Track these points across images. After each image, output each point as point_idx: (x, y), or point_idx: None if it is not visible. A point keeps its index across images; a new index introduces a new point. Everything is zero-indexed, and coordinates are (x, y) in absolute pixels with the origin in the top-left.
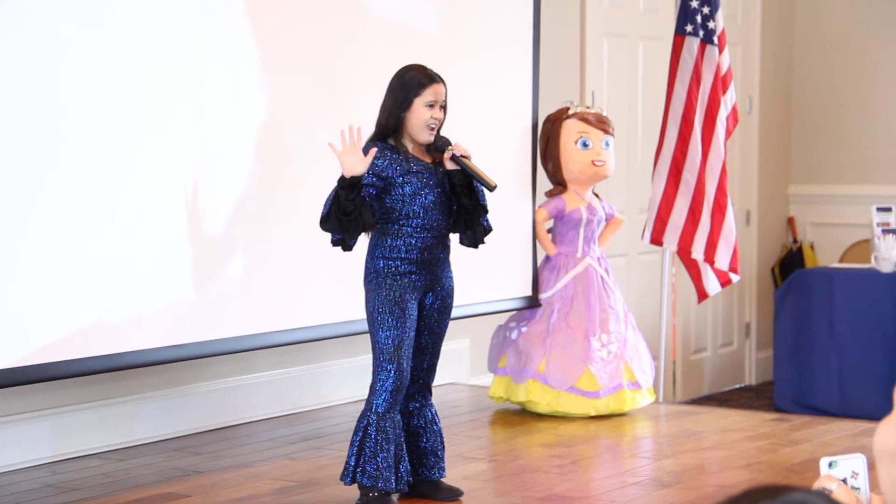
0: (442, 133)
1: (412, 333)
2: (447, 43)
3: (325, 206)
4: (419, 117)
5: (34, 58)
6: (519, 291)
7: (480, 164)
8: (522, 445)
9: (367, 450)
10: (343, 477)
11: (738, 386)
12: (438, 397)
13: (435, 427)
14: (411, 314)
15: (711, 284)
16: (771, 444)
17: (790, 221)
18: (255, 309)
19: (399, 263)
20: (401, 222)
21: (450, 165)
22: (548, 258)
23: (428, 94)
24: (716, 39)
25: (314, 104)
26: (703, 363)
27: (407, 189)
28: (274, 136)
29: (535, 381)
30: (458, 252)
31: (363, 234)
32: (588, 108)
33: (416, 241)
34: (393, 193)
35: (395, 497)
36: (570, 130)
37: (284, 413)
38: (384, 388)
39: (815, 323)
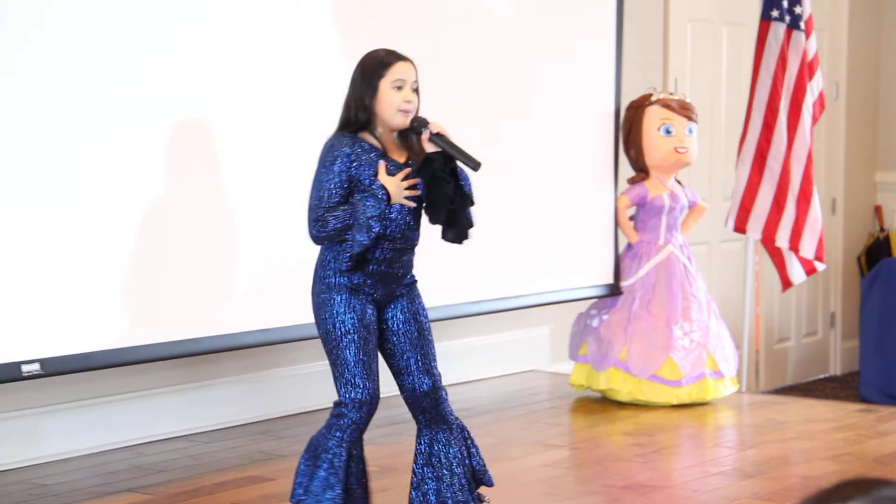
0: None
1: (376, 354)
2: (529, 28)
3: (354, 244)
4: (388, 102)
5: (89, 36)
6: (600, 279)
7: (561, 150)
8: (603, 433)
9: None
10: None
11: (822, 376)
12: (519, 384)
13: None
14: (375, 336)
15: (796, 273)
16: (857, 436)
17: (877, 209)
18: None
19: (354, 276)
20: None
21: (429, 147)
22: (629, 246)
23: (393, 74)
24: (802, 25)
25: None
26: (786, 353)
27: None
28: None
29: (617, 369)
30: (538, 238)
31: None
32: (671, 94)
33: (374, 253)
34: (357, 198)
35: None
36: (653, 117)
37: None
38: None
39: None
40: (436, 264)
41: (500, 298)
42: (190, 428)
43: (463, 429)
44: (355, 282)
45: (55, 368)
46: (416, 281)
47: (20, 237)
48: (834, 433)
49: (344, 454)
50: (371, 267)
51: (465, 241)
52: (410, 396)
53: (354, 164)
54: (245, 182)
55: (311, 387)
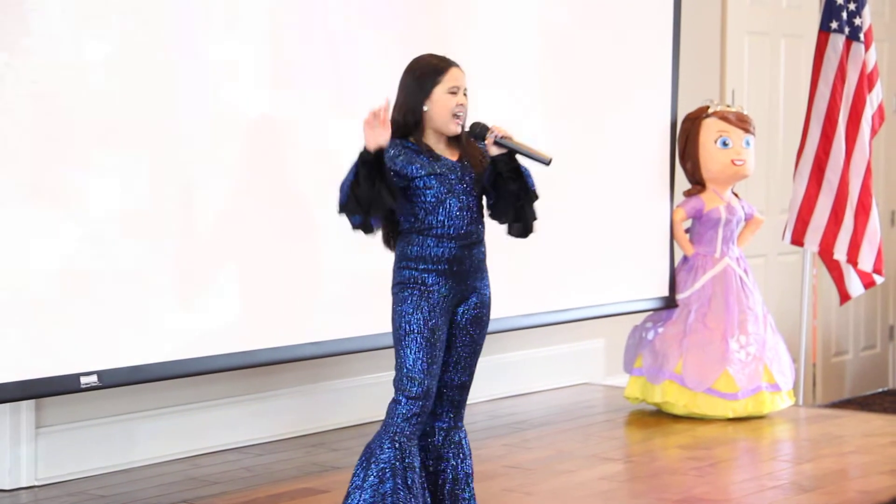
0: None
1: (441, 354)
2: (585, 41)
3: (342, 191)
4: (443, 106)
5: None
6: (656, 292)
7: (617, 162)
8: (659, 447)
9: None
10: None
11: (880, 390)
12: (573, 397)
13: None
14: (441, 336)
15: (854, 286)
16: None
17: None
18: None
19: (425, 276)
20: (424, 232)
21: (494, 150)
22: (685, 258)
23: (448, 80)
24: (862, 36)
25: None
26: (844, 366)
27: (429, 195)
28: None
29: (672, 382)
30: (594, 251)
31: (384, 213)
32: (728, 106)
33: (441, 252)
34: (415, 199)
35: None
36: (710, 129)
37: None
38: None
39: None
40: (492, 277)
41: (555, 311)
42: (244, 440)
43: (460, 444)
44: (429, 282)
45: (113, 380)
46: (487, 273)
47: (78, 250)
48: (892, 447)
49: (398, 449)
50: (442, 266)
51: (529, 235)
52: (441, 386)
53: (400, 159)
54: (306, 196)
55: (365, 399)
